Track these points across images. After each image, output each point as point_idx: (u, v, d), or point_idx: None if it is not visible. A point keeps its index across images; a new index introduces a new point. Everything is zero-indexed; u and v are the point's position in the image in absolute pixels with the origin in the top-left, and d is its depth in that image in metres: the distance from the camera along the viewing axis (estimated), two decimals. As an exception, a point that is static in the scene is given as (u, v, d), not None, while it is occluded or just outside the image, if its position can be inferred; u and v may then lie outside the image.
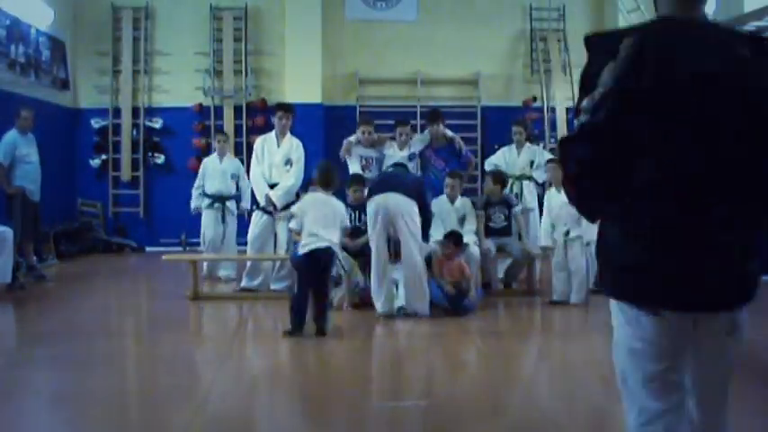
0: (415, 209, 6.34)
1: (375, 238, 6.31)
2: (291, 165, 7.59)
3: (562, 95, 11.93)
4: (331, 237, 5.77)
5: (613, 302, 2.19)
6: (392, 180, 6.60)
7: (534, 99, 12.03)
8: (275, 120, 7.76)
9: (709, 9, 9.30)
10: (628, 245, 2.07)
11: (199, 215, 8.62)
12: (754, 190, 2.05)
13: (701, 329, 2.13)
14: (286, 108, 7.89)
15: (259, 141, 7.82)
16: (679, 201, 1.99)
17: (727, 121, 1.99)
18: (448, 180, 7.37)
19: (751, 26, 8.03)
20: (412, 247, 6.27)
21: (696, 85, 1.98)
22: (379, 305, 6.33)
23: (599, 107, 1.97)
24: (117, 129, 11.77)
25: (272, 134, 7.73)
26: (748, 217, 2.06)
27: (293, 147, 7.66)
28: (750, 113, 1.99)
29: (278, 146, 7.61)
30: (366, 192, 6.85)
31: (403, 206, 6.29)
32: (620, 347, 2.21)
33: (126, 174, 11.77)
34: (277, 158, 7.58)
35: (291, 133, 7.81)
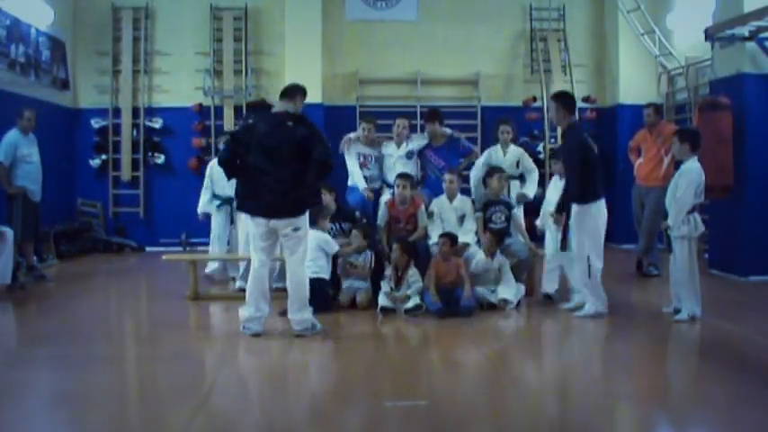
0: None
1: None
2: None
3: (562, 95, 11.92)
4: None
5: (243, 214, 6.06)
6: None
7: (534, 99, 12.02)
8: None
9: (709, 9, 9.28)
10: (249, 190, 5.66)
11: (207, 218, 8.50)
12: (294, 173, 5.55)
13: (280, 227, 5.64)
14: (268, 108, 7.85)
15: None
16: (261, 175, 5.56)
17: (283, 148, 5.56)
18: (446, 176, 7.37)
19: (751, 26, 8.02)
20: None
21: (264, 136, 5.60)
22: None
23: (230, 140, 5.86)
24: (117, 129, 11.76)
25: None
26: (293, 182, 5.55)
27: None
28: (298, 145, 5.57)
29: None
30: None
31: None
32: (250, 232, 5.88)
33: (126, 174, 11.77)
34: None
35: None
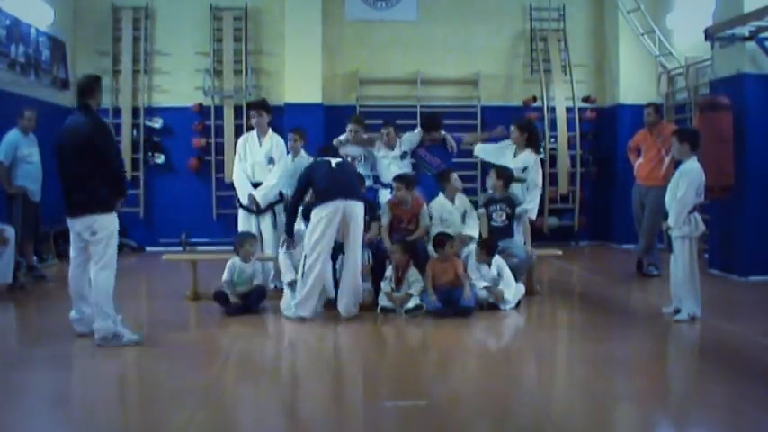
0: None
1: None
2: (274, 163, 7.59)
3: (562, 95, 11.94)
4: None
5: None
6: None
7: (534, 99, 12.03)
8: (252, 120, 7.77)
9: (709, 9, 9.28)
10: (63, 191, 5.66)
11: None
12: (90, 178, 5.53)
13: (80, 228, 5.56)
14: (255, 106, 7.86)
15: (241, 140, 7.81)
16: (64, 179, 5.67)
17: (74, 153, 5.59)
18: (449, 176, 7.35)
19: (751, 26, 8.02)
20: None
21: (65, 138, 5.66)
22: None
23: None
24: (117, 129, 11.72)
25: (254, 133, 7.71)
26: (89, 185, 5.52)
27: (274, 145, 7.65)
28: (90, 152, 5.52)
29: (260, 144, 7.61)
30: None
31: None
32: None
33: (126, 174, 11.77)
34: (259, 157, 7.59)
35: (280, 132, 7.88)
